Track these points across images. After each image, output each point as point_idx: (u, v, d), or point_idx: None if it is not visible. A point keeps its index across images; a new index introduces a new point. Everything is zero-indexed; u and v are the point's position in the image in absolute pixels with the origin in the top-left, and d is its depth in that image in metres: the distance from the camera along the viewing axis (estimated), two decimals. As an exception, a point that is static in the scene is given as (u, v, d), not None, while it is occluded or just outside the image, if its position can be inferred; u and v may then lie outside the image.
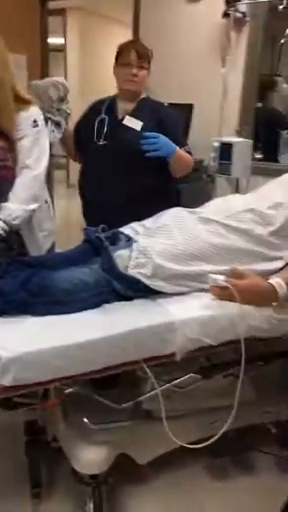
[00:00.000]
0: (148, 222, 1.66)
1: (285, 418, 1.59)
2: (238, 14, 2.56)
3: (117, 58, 1.97)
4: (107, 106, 2.03)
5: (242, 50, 2.62)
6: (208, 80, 2.67)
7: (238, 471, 1.69)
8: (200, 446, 1.40)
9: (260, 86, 2.88)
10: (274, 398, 1.55)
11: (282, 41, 2.72)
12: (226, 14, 2.56)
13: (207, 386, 1.51)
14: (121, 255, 1.43)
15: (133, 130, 1.97)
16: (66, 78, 5.71)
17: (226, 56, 2.55)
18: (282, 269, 1.48)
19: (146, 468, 1.56)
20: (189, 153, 2.03)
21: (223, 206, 1.68)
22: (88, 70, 6.58)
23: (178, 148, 1.90)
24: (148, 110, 2.05)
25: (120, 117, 2.02)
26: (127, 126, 1.97)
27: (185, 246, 1.47)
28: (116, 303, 1.41)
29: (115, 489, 1.58)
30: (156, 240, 1.49)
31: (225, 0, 2.54)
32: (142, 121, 1.97)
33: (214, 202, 1.78)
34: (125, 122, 1.98)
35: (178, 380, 1.43)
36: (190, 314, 1.32)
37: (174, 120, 2.07)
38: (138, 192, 1.95)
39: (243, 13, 2.57)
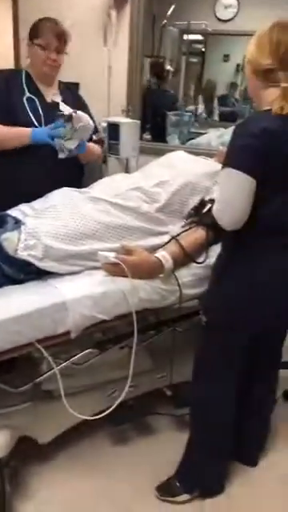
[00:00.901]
0: (37, 204, 1.64)
1: (177, 380, 1.72)
2: (119, -7, 2.57)
3: (34, 36, 1.81)
4: (26, 85, 1.90)
5: (124, 29, 2.64)
6: (92, 58, 2.65)
7: (139, 435, 1.80)
8: (99, 416, 1.46)
9: (152, 67, 2.95)
10: (168, 363, 1.66)
11: (164, 22, 2.80)
12: (106, -8, 2.55)
13: (105, 359, 1.57)
14: (8, 238, 1.40)
15: None
16: None
17: (107, 35, 2.55)
18: (168, 242, 1.57)
19: (48, 446, 1.58)
20: (100, 140, 2.02)
21: (111, 185, 1.73)
22: None
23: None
24: (70, 96, 2.01)
25: (49, 101, 1.93)
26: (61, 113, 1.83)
27: (74, 225, 1.49)
28: (7, 287, 1.39)
29: (18, 470, 1.58)
30: (45, 221, 1.48)
31: (104, -22, 2.53)
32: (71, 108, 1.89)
33: (101, 182, 1.81)
34: (62, 108, 1.89)
35: (75, 357, 1.47)
36: (82, 292, 1.36)
37: (88, 107, 2.06)
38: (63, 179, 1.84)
39: (124, -8, 2.58)
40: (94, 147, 2.01)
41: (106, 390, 1.69)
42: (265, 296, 1.35)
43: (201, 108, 4.26)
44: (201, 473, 1.59)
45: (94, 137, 1.99)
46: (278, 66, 1.22)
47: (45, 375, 1.43)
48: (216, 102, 4.47)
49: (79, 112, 1.75)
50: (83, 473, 1.64)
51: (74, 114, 1.72)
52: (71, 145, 1.77)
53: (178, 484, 1.58)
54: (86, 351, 1.49)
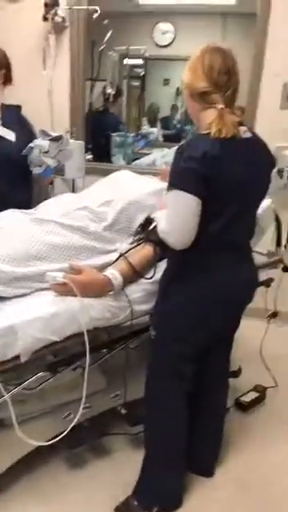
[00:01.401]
0: (-19, 227, 1.61)
1: (132, 397, 1.72)
2: (58, 19, 2.62)
3: None
4: None
5: (63, 54, 2.69)
6: (32, 82, 2.67)
7: (95, 456, 1.77)
8: (54, 441, 1.43)
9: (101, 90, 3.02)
10: (121, 381, 1.66)
11: (102, 47, 2.88)
12: (45, 18, 2.60)
13: (57, 382, 1.55)
14: None
15: (8, 140, 1.93)
16: None
17: (46, 59, 2.58)
18: (116, 260, 1.59)
19: (1, 476, 1.52)
20: None
21: (57, 205, 1.74)
22: None
23: None
24: (12, 118, 2.00)
25: None
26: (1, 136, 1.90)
27: (21, 247, 1.48)
28: None
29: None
30: (-10, 244, 1.45)
31: (44, 3, 2.57)
32: (12, 131, 1.94)
33: (47, 202, 1.82)
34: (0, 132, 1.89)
35: (26, 382, 1.43)
36: (31, 314, 1.34)
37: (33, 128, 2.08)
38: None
39: (62, 18, 2.63)
40: None
41: (60, 413, 1.66)
42: (209, 310, 1.40)
43: (150, 130, 4.37)
44: (158, 489, 1.58)
45: None
46: (213, 88, 1.28)
47: (-5, 403, 1.38)
48: (159, 124, 4.62)
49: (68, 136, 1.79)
50: (39, 501, 1.59)
51: (63, 136, 1.74)
52: (51, 162, 1.77)
53: (135, 503, 1.57)
54: (38, 375, 1.45)
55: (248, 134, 1.33)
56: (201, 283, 1.37)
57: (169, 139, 4.55)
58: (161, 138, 4.51)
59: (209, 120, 1.28)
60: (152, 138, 4.37)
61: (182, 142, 1.35)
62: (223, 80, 1.28)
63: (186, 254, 1.32)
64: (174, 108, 4.60)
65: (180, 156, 1.26)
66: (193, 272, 1.38)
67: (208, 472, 1.73)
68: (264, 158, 1.40)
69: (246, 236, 1.46)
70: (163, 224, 1.34)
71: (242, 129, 1.31)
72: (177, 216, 1.27)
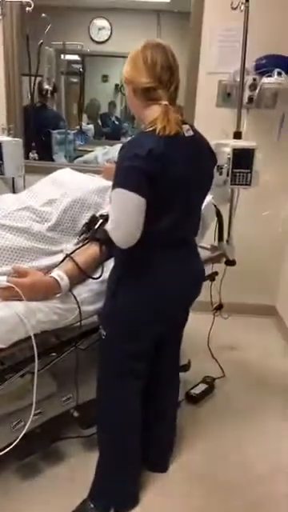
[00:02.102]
0: None
1: (84, 399, 1.69)
2: (-10, 11, 2.51)
3: None
4: None
5: (-1, 47, 2.59)
6: None
7: (48, 463, 1.73)
8: (4, 451, 1.37)
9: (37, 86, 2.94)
10: (72, 383, 1.63)
11: (40, 42, 2.80)
12: (-24, 9, 2.48)
13: (5, 390, 1.49)
14: None
15: None
16: None
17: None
18: (62, 261, 1.55)
19: None
20: None
21: (-3, 206, 1.65)
22: None
23: None
24: None
25: None
26: None
27: None
28: None
29: None
30: None
31: (-27, -6, 2.46)
32: None
33: (-15, 203, 1.73)
34: None
35: (-29, 392, 1.36)
36: (-27, 322, 1.27)
37: None
38: None
39: (-5, 10, 2.53)
40: None
41: (8, 422, 1.60)
42: (159, 305, 1.41)
43: (88, 126, 4.33)
44: (113, 490, 1.57)
45: None
46: (157, 84, 1.28)
47: None
48: (99, 120, 4.59)
49: None
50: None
51: None
52: None
53: (92, 506, 1.55)
54: (-16, 384, 1.39)
55: (190, 132, 1.34)
56: (149, 280, 1.37)
57: (107, 136, 4.54)
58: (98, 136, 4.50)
59: (153, 117, 1.28)
60: (90, 134, 4.34)
61: (126, 140, 1.33)
62: (166, 75, 1.28)
63: (132, 251, 1.31)
64: (112, 104, 4.60)
65: (124, 156, 1.25)
66: (140, 269, 1.37)
67: (163, 467, 1.75)
68: (207, 156, 1.42)
69: (192, 232, 1.49)
70: (109, 222, 1.32)
71: (185, 127, 1.32)
72: (121, 214, 1.26)
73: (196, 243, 1.54)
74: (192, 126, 1.36)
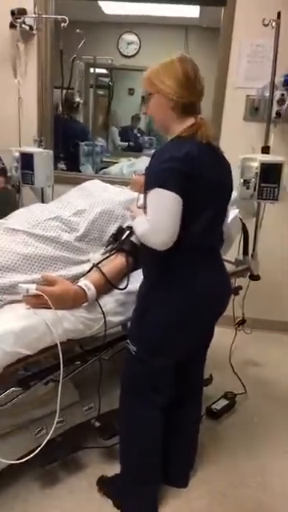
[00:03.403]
0: None
1: (105, 409, 1.70)
2: (25, 27, 2.59)
3: None
4: None
5: (33, 61, 2.67)
6: (2, 90, 2.63)
7: (68, 472, 1.73)
8: (27, 458, 1.38)
9: (65, 99, 3.03)
10: (94, 393, 1.64)
11: (73, 56, 2.89)
12: (12, 25, 2.56)
13: (29, 397, 1.50)
14: None
15: None
16: None
17: (16, 67, 2.55)
18: (89, 271, 1.57)
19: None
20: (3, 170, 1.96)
21: (28, 215, 1.70)
22: None
23: None
24: None
25: None
26: None
27: (-8, 259, 1.43)
28: None
29: None
30: None
31: (10, 11, 2.54)
32: None
33: (17, 212, 1.78)
34: None
35: (-3, 398, 1.38)
36: (3, 328, 1.29)
37: None
38: None
39: (30, 26, 2.61)
40: None
41: (31, 429, 1.61)
42: (189, 318, 1.40)
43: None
44: (135, 503, 1.56)
45: None
46: (196, 98, 1.35)
47: None
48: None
49: None
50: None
51: None
52: None
53: None
54: (9, 390, 1.41)
55: (215, 144, 1.40)
56: (180, 291, 1.37)
57: (128, 149, 4.60)
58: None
59: (183, 127, 1.34)
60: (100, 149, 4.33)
61: (157, 148, 1.39)
62: (199, 88, 1.36)
63: (166, 257, 1.31)
64: (136, 118, 4.66)
65: (157, 160, 1.29)
66: (171, 281, 1.38)
67: (183, 483, 1.73)
68: (227, 164, 1.45)
69: (219, 242, 1.49)
70: (141, 227, 1.33)
71: None
72: (158, 213, 1.26)
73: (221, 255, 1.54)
74: None
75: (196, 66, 1.36)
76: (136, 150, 4.51)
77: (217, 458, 1.88)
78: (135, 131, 4.68)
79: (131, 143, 4.65)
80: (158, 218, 1.27)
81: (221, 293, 1.49)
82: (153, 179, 1.28)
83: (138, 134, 4.66)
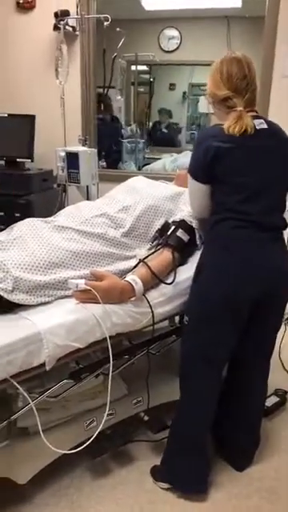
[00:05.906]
0: (1, 236, 1.61)
1: (154, 403, 1.71)
2: (68, 28, 2.64)
3: None
4: None
5: (75, 63, 2.72)
6: (45, 91, 2.70)
7: (118, 465, 1.76)
8: (78, 449, 1.41)
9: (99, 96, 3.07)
10: (143, 386, 1.65)
11: (115, 54, 2.91)
12: (56, 27, 2.62)
13: (79, 389, 1.54)
14: (-25, 272, 1.37)
15: None
16: None
17: (58, 68, 2.61)
18: (136, 266, 1.59)
19: (26, 485, 1.51)
20: None
21: (75, 213, 1.73)
22: None
23: None
24: None
25: None
26: None
27: (42, 255, 1.48)
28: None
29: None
30: (12, 253, 1.46)
31: (54, 13, 2.60)
32: None
33: (66, 210, 1.82)
34: None
35: (50, 390, 1.43)
36: (55, 322, 1.33)
37: None
38: None
39: (73, 27, 2.66)
40: None
41: (81, 421, 1.65)
42: (236, 278, 1.41)
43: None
44: (180, 465, 1.60)
45: None
46: (233, 93, 1.45)
47: (21, 411, 1.37)
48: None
49: None
50: (65, 511, 1.57)
51: None
52: None
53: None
54: (61, 382, 1.45)
55: (264, 126, 1.45)
56: (225, 255, 1.44)
57: (156, 144, 4.52)
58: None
59: (230, 119, 1.44)
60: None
61: (184, 149, 1.53)
62: (242, 84, 1.46)
63: (210, 233, 1.51)
64: (164, 112, 4.59)
65: (195, 145, 1.51)
66: (217, 247, 1.47)
67: (240, 465, 1.73)
68: (282, 141, 1.50)
69: (268, 218, 1.44)
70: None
71: (257, 121, 1.44)
72: (189, 194, 1.61)
73: (284, 240, 1.51)
74: (266, 120, 1.48)
75: (239, 64, 1.46)
76: (161, 144, 4.43)
77: (267, 456, 1.84)
78: (162, 126, 4.59)
79: (159, 138, 4.55)
80: (189, 197, 1.62)
81: (265, 270, 1.43)
82: (189, 163, 1.52)
83: (165, 130, 4.57)
